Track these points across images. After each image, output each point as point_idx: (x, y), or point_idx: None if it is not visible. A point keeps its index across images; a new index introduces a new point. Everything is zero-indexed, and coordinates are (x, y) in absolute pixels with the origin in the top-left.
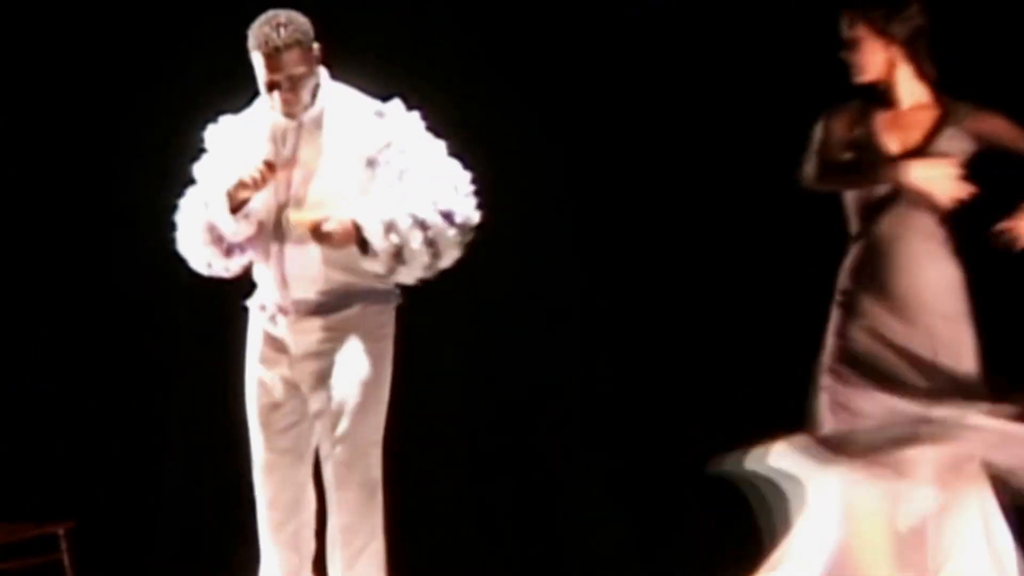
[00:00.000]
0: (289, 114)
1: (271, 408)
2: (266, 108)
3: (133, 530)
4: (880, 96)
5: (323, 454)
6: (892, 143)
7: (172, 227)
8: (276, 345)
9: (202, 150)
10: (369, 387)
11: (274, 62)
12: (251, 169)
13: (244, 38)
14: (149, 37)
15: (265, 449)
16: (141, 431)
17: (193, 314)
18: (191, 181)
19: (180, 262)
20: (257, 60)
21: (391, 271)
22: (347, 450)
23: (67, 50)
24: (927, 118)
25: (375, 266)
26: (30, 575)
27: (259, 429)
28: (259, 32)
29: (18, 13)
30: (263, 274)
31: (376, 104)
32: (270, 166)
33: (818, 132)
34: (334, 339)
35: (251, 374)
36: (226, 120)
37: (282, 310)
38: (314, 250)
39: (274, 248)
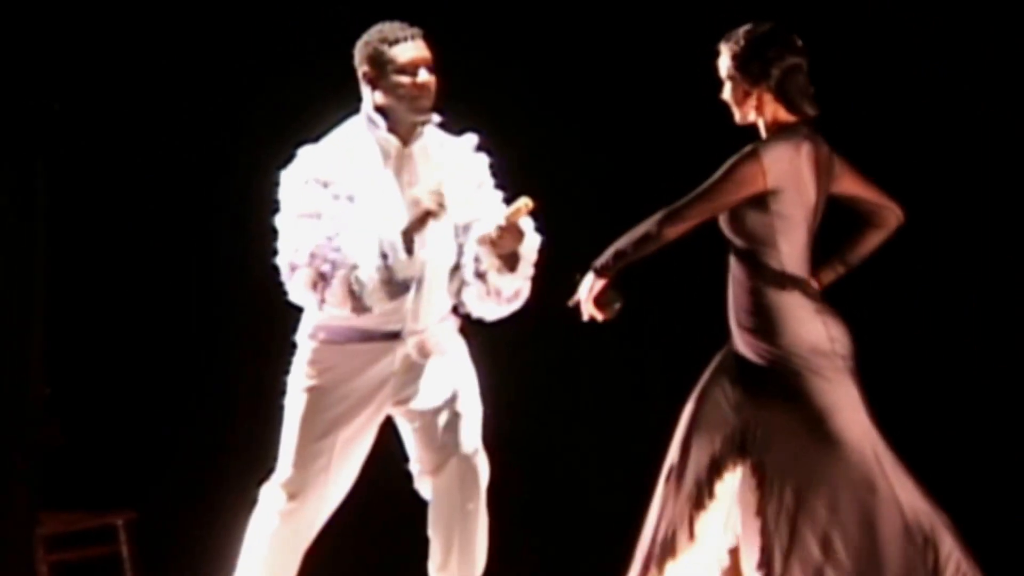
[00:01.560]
0: (423, 108)
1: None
2: (369, 131)
3: (193, 523)
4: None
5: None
6: None
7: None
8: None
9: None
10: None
11: (423, 45)
12: (429, 202)
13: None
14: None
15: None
16: (205, 423)
17: (260, 313)
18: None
19: (247, 265)
20: (402, 47)
21: (513, 297)
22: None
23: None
24: None
25: (503, 284)
26: (88, 567)
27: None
28: (391, 26)
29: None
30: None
31: (461, 137)
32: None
33: None
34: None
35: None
36: (317, 150)
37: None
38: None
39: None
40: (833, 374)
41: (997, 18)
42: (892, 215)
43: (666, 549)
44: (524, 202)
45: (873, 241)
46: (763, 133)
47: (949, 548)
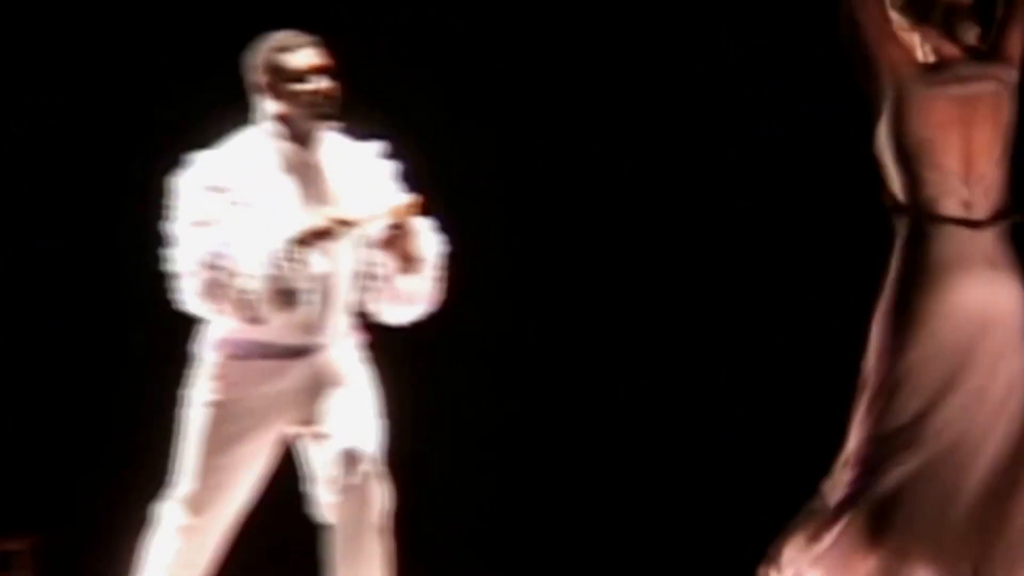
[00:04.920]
0: (323, 114)
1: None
2: (266, 139)
3: (96, 546)
4: None
5: None
6: None
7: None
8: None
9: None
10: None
11: (319, 52)
12: (326, 222)
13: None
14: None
15: None
16: (107, 442)
17: (160, 325)
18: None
19: (146, 277)
20: (299, 55)
21: (416, 299)
22: None
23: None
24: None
25: (405, 287)
26: None
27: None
28: (286, 34)
29: None
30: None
31: (364, 144)
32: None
33: None
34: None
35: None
36: (213, 157)
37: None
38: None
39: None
40: None
41: None
42: None
43: None
44: (409, 200)
45: None
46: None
47: None
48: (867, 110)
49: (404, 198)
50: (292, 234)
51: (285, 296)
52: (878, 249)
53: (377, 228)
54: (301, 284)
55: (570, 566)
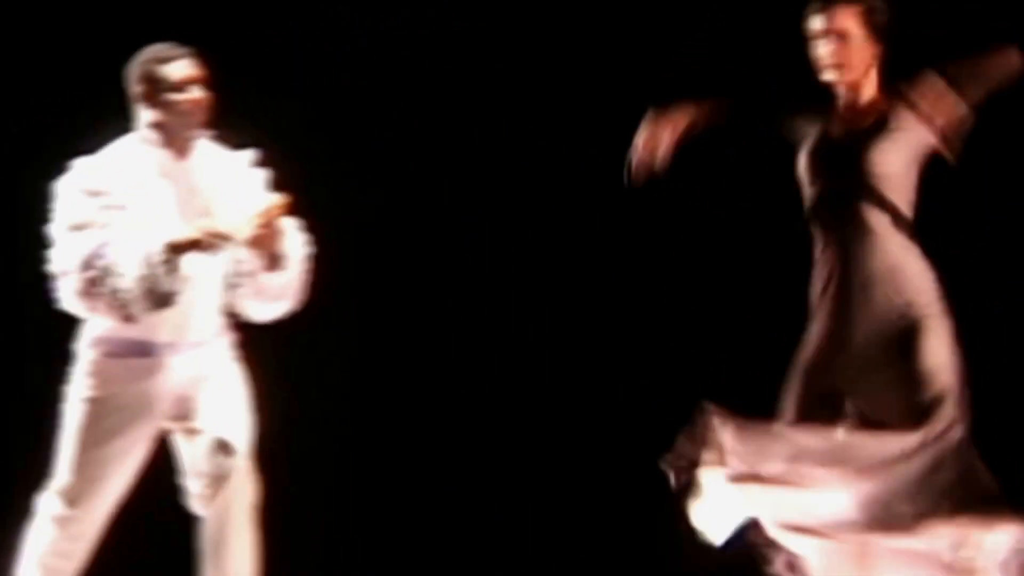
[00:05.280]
0: (197, 123)
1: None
2: (143, 147)
3: None
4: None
5: None
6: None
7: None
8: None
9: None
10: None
11: (194, 64)
12: (200, 235)
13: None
14: None
15: None
16: None
17: (39, 322)
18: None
19: (34, 287)
20: (175, 66)
21: (281, 295)
22: None
23: None
24: (876, 121)
25: (269, 283)
26: None
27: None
28: (163, 47)
29: None
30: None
31: (236, 152)
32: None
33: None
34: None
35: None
36: (91, 163)
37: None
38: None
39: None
40: None
41: None
42: None
43: None
44: (277, 200)
45: None
46: (861, 92)
47: None
48: None
49: (272, 199)
50: (166, 241)
51: (158, 297)
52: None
53: (246, 229)
54: (173, 286)
55: (434, 558)
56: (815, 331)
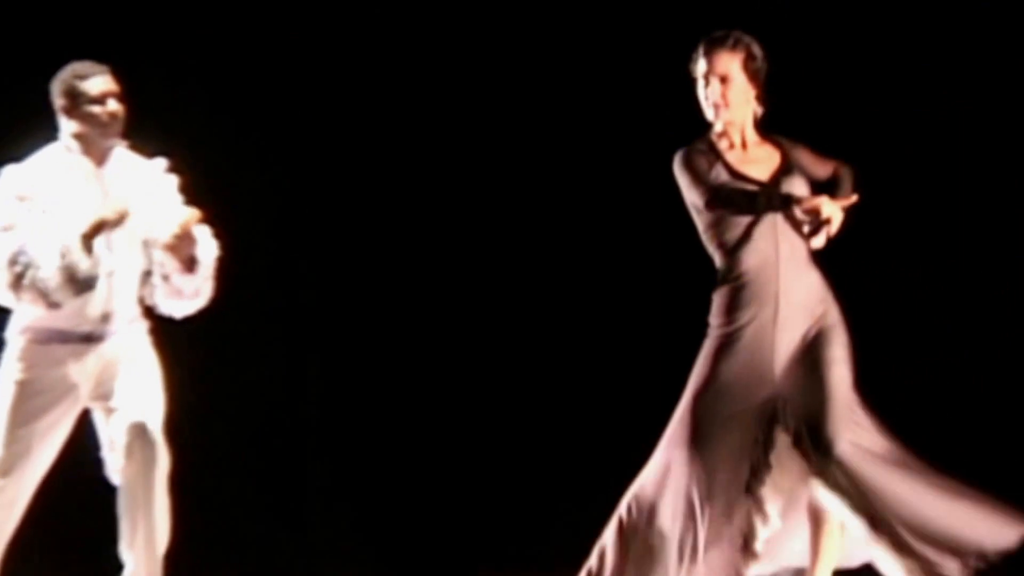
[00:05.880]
0: (114, 133)
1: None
2: (66, 154)
3: None
4: (717, 135)
5: None
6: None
7: None
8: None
9: None
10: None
11: (111, 79)
12: (107, 212)
13: None
14: None
15: None
16: None
17: None
18: None
19: None
20: (92, 82)
21: (194, 295)
22: None
23: None
24: (769, 156)
25: (184, 284)
26: None
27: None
28: (83, 64)
29: None
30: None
31: (149, 160)
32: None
33: (690, 165)
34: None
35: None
36: (18, 170)
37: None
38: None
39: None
40: None
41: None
42: None
43: None
44: (192, 213)
45: None
46: (745, 131)
47: None
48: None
49: (186, 211)
50: (81, 229)
51: (78, 283)
52: None
53: (163, 236)
54: (91, 271)
55: (333, 519)
56: (741, 348)
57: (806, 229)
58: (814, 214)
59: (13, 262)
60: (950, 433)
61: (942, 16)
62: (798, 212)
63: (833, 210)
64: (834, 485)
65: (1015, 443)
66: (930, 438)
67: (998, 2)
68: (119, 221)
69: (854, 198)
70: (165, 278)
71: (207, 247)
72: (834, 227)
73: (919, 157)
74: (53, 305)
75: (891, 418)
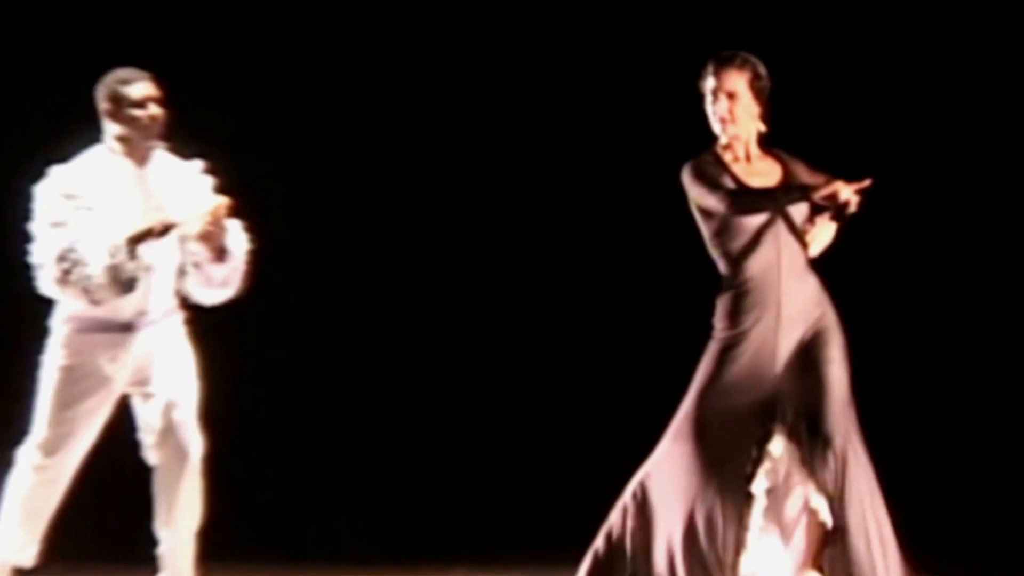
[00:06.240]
0: (154, 136)
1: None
2: (109, 155)
3: None
4: (723, 148)
5: None
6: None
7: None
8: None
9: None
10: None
11: (152, 85)
12: (154, 223)
13: None
14: None
15: None
16: None
17: (24, 302)
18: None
19: (18, 274)
20: (135, 87)
21: (223, 284)
22: None
23: None
24: (771, 169)
25: (215, 273)
26: None
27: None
28: (126, 70)
29: None
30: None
31: (188, 161)
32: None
33: (703, 174)
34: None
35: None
36: (65, 169)
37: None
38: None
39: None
40: None
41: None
42: None
43: None
44: (222, 202)
45: None
46: (749, 146)
47: None
48: None
49: (218, 200)
50: (128, 234)
51: (122, 283)
52: None
53: (196, 226)
54: (135, 273)
55: (362, 506)
56: (745, 350)
57: (827, 215)
58: (832, 199)
59: (62, 258)
60: (950, 433)
61: (936, 26)
62: (817, 198)
63: (850, 193)
64: (821, 482)
65: (1016, 443)
66: (930, 438)
67: (992, 14)
68: (164, 232)
69: (867, 182)
70: (196, 266)
71: (238, 239)
72: (852, 208)
73: (916, 163)
74: (96, 302)
75: (889, 418)
